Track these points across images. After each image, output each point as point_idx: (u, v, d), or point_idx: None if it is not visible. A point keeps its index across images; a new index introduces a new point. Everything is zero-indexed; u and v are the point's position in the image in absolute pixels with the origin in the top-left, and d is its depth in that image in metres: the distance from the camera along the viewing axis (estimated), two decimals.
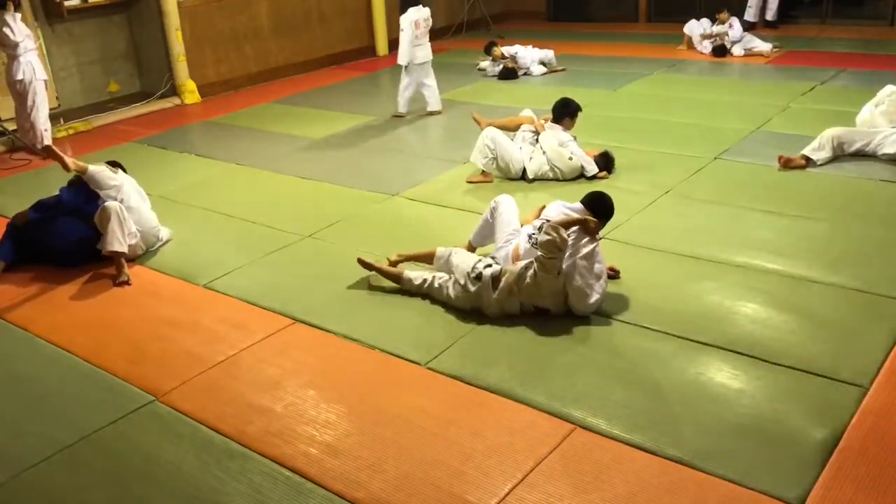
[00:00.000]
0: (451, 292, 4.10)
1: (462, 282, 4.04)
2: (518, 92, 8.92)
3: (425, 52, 7.82)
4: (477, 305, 4.04)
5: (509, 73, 9.53)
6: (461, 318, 4.03)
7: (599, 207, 4.11)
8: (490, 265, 4.05)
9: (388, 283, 4.41)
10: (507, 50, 9.75)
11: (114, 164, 5.20)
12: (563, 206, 4.24)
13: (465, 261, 4.16)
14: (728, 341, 3.70)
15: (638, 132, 6.99)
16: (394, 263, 4.47)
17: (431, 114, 8.03)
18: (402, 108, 8.03)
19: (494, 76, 9.64)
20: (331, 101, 8.86)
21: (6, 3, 7.12)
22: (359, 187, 6.09)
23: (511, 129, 6.18)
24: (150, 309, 4.43)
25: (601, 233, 4.16)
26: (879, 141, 5.85)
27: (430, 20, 7.84)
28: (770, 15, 11.28)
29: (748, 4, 11.16)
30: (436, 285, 4.19)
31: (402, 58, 7.78)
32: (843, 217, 4.99)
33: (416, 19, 7.70)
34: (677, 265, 4.51)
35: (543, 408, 3.31)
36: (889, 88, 6.33)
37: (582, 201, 4.17)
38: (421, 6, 7.77)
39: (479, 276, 4.00)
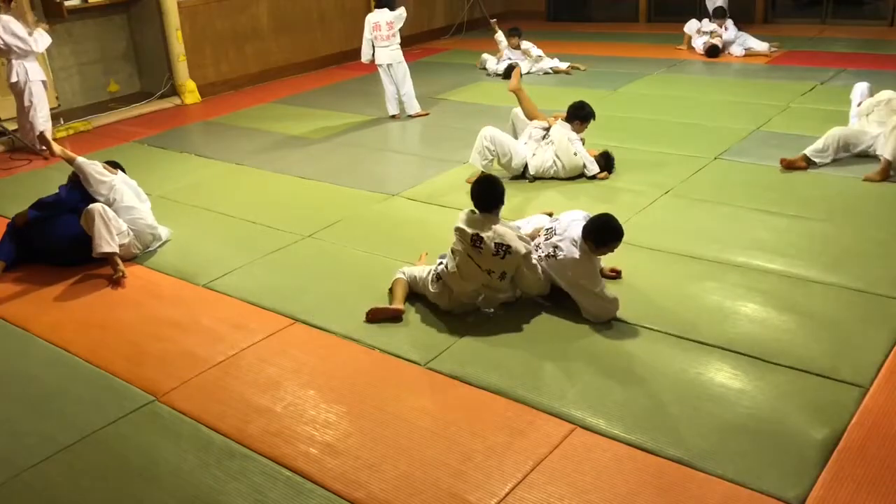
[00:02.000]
0: (430, 293, 4.15)
1: (432, 288, 4.10)
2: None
3: (388, 54, 7.89)
4: (453, 303, 4.07)
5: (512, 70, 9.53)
6: (461, 318, 4.03)
7: (598, 235, 3.95)
8: (441, 262, 4.14)
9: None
10: (522, 44, 9.90)
11: (114, 165, 5.20)
12: (580, 218, 4.12)
13: (423, 270, 4.23)
14: (728, 341, 3.70)
15: (638, 132, 6.99)
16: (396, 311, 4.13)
17: (411, 117, 8.08)
18: (389, 110, 8.12)
19: (497, 74, 9.64)
20: (331, 101, 8.85)
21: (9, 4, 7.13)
22: (359, 187, 6.09)
23: (528, 110, 6.18)
24: (150, 309, 4.43)
25: None
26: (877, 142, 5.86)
27: (395, 24, 7.83)
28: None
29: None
30: (420, 284, 4.23)
31: (362, 56, 8.07)
32: (843, 217, 4.99)
33: (375, 20, 7.86)
34: (677, 265, 4.51)
35: (543, 408, 3.31)
36: (860, 89, 6.33)
37: (585, 227, 4.00)
38: (388, 10, 7.86)
39: (438, 276, 4.07)
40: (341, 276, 4.62)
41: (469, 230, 3.95)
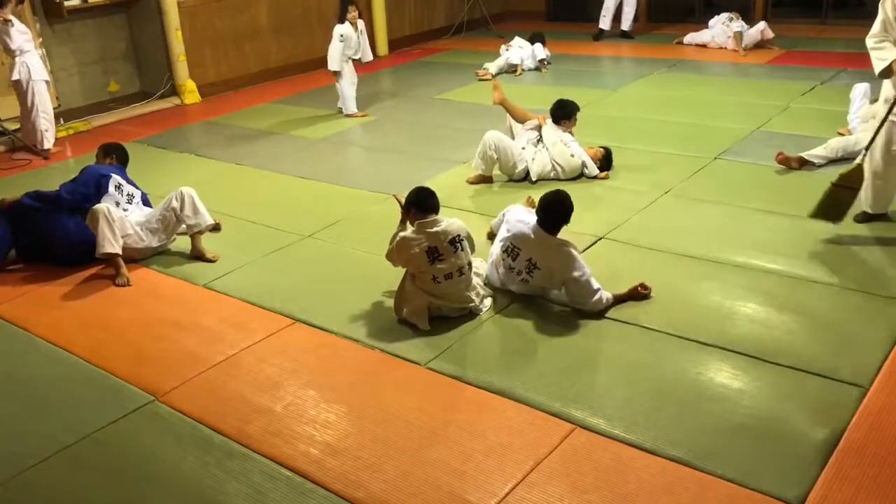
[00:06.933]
0: None
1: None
2: (518, 92, 8.91)
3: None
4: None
5: (537, 37, 9.80)
6: (460, 318, 4.03)
7: (550, 217, 4.01)
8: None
9: (390, 287, 4.41)
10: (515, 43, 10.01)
11: (118, 157, 5.24)
12: (523, 213, 4.18)
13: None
14: (728, 341, 3.70)
15: (638, 132, 6.99)
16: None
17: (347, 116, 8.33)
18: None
19: (512, 65, 9.70)
20: (331, 102, 8.84)
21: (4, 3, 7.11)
22: (359, 187, 6.10)
23: (517, 117, 6.19)
24: (150, 309, 4.43)
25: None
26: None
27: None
28: (626, 25, 11.37)
29: (602, 14, 11.25)
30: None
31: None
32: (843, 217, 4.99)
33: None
34: (677, 265, 4.51)
35: (543, 408, 3.31)
36: (861, 90, 6.30)
37: (538, 218, 4.05)
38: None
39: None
40: (341, 276, 4.62)
41: (421, 247, 3.90)
